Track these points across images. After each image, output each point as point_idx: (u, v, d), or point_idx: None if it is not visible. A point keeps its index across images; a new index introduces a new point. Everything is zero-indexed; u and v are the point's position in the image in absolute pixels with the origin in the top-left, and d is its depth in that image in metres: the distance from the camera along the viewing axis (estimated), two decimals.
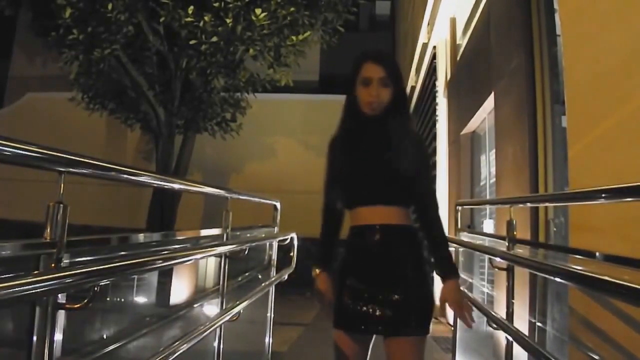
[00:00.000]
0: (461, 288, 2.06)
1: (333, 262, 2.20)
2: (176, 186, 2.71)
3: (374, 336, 2.05)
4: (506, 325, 2.50)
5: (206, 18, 7.48)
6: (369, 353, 2.08)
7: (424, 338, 1.97)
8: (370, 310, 1.95)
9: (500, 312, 2.90)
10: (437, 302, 2.03)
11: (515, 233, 2.78)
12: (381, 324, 1.93)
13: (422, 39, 8.81)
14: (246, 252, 3.09)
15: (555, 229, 3.40)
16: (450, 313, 6.31)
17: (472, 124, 6.02)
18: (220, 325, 2.69)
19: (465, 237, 4.07)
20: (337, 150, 2.16)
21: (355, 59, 2.12)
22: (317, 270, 2.20)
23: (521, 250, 2.83)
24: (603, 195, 1.71)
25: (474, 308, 2.88)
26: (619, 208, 2.10)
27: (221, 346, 2.81)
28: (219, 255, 2.81)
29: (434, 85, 8.06)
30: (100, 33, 7.67)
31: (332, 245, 2.23)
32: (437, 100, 7.85)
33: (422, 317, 1.97)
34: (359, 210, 2.06)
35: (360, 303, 1.97)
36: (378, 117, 2.06)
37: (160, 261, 1.91)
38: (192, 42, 7.70)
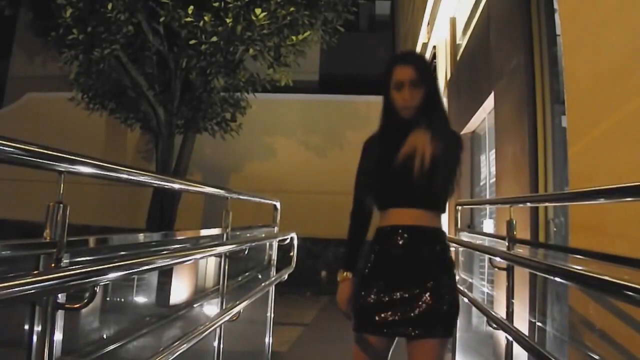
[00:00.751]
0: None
1: (358, 264, 2.17)
2: (176, 186, 2.71)
3: (396, 339, 2.04)
4: (506, 325, 2.50)
5: (206, 18, 7.48)
6: (389, 356, 2.07)
7: (447, 340, 1.98)
8: (396, 312, 1.94)
9: (500, 312, 2.90)
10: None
11: (515, 233, 2.78)
12: (407, 326, 1.92)
13: (422, 38, 8.81)
14: (246, 252, 3.09)
15: (555, 229, 3.40)
16: None
17: (472, 124, 6.02)
18: (220, 325, 2.69)
19: (465, 237, 4.07)
20: (372, 151, 2.16)
21: (387, 63, 2.14)
22: (344, 274, 2.16)
23: (521, 250, 2.83)
24: (603, 195, 1.71)
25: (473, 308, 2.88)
26: (619, 208, 2.10)
27: (221, 346, 2.81)
28: (219, 255, 2.81)
29: None
30: (100, 33, 7.67)
31: (360, 248, 2.19)
32: None
33: (449, 320, 1.97)
34: (390, 211, 2.06)
35: (385, 305, 1.96)
36: (413, 118, 2.06)
37: (160, 261, 1.91)
38: (192, 42, 7.70)
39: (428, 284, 1.94)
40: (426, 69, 2.12)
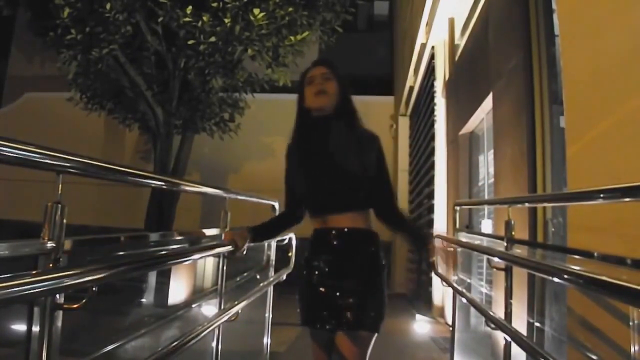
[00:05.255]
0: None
1: (258, 237, 2.36)
2: (174, 186, 2.71)
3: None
4: (504, 325, 2.50)
5: (204, 18, 7.47)
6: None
7: (373, 335, 2.09)
8: (330, 304, 2.07)
9: (499, 312, 2.90)
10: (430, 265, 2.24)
11: (513, 233, 2.79)
12: (339, 318, 2.05)
13: (420, 39, 8.81)
14: (244, 252, 3.09)
15: (553, 229, 3.41)
16: (448, 313, 6.31)
17: (471, 124, 6.02)
18: (219, 326, 2.69)
19: (463, 237, 4.07)
20: (292, 158, 2.26)
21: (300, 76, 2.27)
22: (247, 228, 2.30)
23: (519, 251, 2.83)
24: (601, 195, 1.71)
25: (471, 307, 2.88)
26: (618, 208, 2.11)
27: (219, 346, 2.80)
28: (218, 256, 2.80)
29: (433, 86, 8.06)
30: (98, 33, 7.66)
31: (269, 228, 2.39)
32: (436, 100, 7.84)
33: (376, 318, 2.09)
34: (323, 217, 2.17)
35: (322, 296, 2.10)
36: (326, 119, 2.15)
37: (159, 261, 1.91)
38: (191, 42, 7.70)
39: (360, 282, 2.08)
40: (337, 69, 2.22)
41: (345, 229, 2.11)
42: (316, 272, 2.15)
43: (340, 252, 2.11)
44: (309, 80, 2.18)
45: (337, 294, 2.06)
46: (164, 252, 2.17)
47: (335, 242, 2.11)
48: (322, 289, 2.11)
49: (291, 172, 2.26)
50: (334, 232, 2.12)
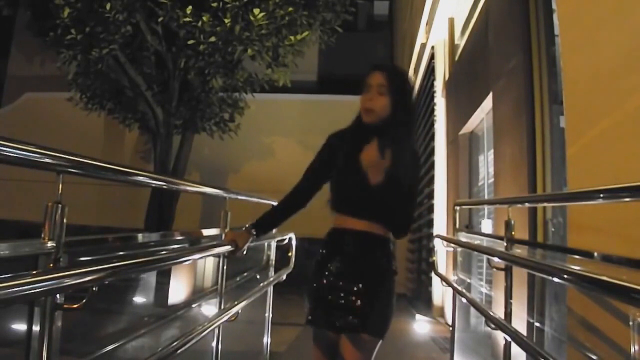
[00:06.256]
0: None
1: (261, 234, 2.32)
2: (174, 186, 2.72)
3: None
4: (504, 325, 2.50)
5: (204, 18, 7.47)
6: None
7: (378, 340, 2.08)
8: (339, 307, 2.05)
9: (499, 312, 2.91)
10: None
11: (513, 233, 2.79)
12: (345, 320, 2.03)
13: (420, 39, 8.81)
14: (244, 253, 3.09)
15: (553, 229, 3.41)
16: (448, 313, 6.32)
17: (471, 124, 6.02)
18: (219, 326, 2.69)
19: (463, 237, 4.07)
20: (334, 148, 2.21)
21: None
22: (248, 226, 2.28)
23: (519, 250, 2.83)
24: (601, 195, 1.71)
25: (471, 308, 2.87)
26: (617, 208, 2.11)
27: (219, 346, 2.80)
28: (218, 256, 2.80)
29: (432, 86, 8.06)
30: (98, 33, 7.66)
31: (273, 221, 2.35)
32: (436, 100, 7.85)
33: (382, 322, 2.08)
34: (344, 217, 2.15)
35: (331, 298, 2.08)
36: (377, 128, 2.09)
37: (159, 261, 1.91)
38: (191, 42, 7.69)
39: (368, 285, 2.06)
40: (398, 81, 2.12)
41: (361, 233, 2.10)
42: (326, 272, 2.13)
43: (351, 255, 2.10)
44: (366, 87, 2.10)
45: (344, 295, 2.05)
46: (164, 252, 2.17)
47: (348, 244, 2.11)
48: (329, 290, 2.09)
49: (324, 161, 2.22)
50: (349, 234, 2.11)
